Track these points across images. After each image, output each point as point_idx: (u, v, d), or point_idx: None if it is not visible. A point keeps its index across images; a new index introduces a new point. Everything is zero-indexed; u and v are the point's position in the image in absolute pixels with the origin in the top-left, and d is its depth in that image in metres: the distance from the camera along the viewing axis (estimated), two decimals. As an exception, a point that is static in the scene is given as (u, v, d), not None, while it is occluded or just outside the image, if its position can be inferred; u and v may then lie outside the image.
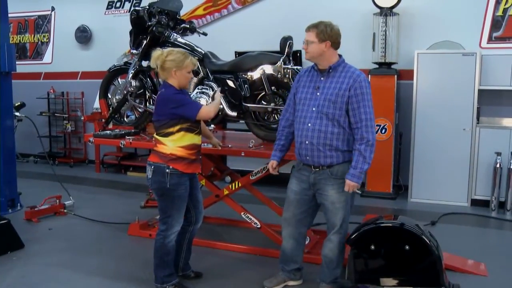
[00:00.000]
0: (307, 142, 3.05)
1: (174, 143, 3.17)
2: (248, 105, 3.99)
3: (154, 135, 3.29)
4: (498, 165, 5.45)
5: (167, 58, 3.15)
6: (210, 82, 4.16)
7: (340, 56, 3.11)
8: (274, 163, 3.33)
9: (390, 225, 3.32)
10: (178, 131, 3.16)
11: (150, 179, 3.26)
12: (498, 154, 5.45)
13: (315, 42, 2.99)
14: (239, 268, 3.84)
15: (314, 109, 3.03)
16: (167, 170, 3.15)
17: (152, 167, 3.23)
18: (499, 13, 5.87)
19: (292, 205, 3.25)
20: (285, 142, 3.32)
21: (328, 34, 2.98)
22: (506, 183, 5.44)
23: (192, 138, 3.22)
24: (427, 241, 3.12)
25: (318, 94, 3.05)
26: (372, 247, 3.18)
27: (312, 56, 3.05)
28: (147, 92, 4.47)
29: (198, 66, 4.16)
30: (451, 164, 5.76)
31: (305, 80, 3.16)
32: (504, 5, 5.83)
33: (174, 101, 3.14)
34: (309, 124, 3.04)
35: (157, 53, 3.21)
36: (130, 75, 4.42)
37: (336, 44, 3.04)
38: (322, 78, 3.07)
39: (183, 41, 4.33)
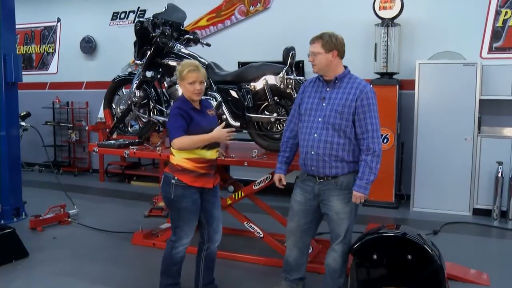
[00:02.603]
0: (312, 152, 3.05)
1: (180, 154, 3.14)
2: (251, 115, 4.03)
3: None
4: (499, 175, 5.46)
5: (177, 69, 3.20)
6: (214, 93, 4.21)
7: (345, 67, 3.12)
8: (282, 177, 3.30)
9: (392, 234, 3.32)
10: None
11: (161, 188, 3.27)
12: (500, 163, 5.46)
13: (321, 53, 3.00)
14: (241, 277, 3.86)
15: (320, 119, 3.03)
16: (173, 181, 3.13)
17: (163, 176, 3.24)
18: (499, 24, 5.92)
19: (296, 215, 3.25)
20: (290, 154, 3.31)
21: (334, 43, 3.00)
22: (507, 192, 5.45)
23: (201, 153, 3.16)
24: (429, 250, 3.13)
25: (324, 104, 3.04)
26: (375, 256, 3.18)
27: (320, 68, 3.05)
28: (151, 102, 4.51)
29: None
30: (453, 173, 5.77)
31: (310, 90, 3.16)
32: (504, 16, 5.89)
33: (168, 118, 3.18)
34: (315, 135, 3.03)
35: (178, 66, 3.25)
36: (134, 86, 4.47)
37: (341, 53, 3.05)
38: (328, 89, 3.07)
39: (186, 51, 4.38)
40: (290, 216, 3.30)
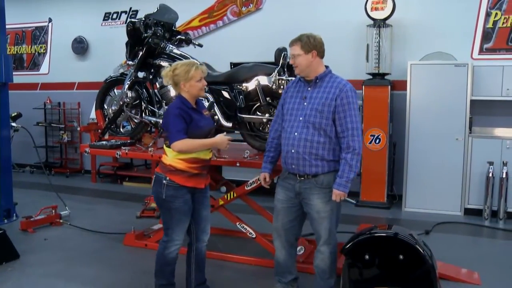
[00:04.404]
0: (293, 150, 3.07)
1: (174, 154, 3.13)
2: (243, 116, 4.02)
3: (164, 144, 3.28)
4: (490, 175, 5.50)
5: (174, 73, 3.14)
6: (206, 93, 4.20)
7: (327, 67, 3.15)
8: (267, 176, 3.35)
9: (384, 234, 3.32)
10: None
11: (152, 188, 3.26)
12: (490, 163, 5.51)
13: (301, 55, 3.04)
14: (233, 278, 3.86)
15: (301, 118, 3.07)
16: (164, 181, 3.12)
17: (154, 176, 3.23)
18: (489, 25, 5.98)
19: (280, 214, 3.27)
20: (275, 154, 3.35)
21: (312, 44, 3.04)
22: (498, 192, 5.49)
23: (196, 153, 3.17)
24: (421, 250, 3.14)
25: (305, 104, 3.09)
26: (367, 256, 3.19)
27: (301, 69, 3.09)
28: (143, 103, 4.49)
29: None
30: (444, 174, 5.81)
31: (293, 90, 3.21)
32: (494, 18, 5.95)
33: (166, 119, 3.16)
34: (296, 133, 3.07)
35: (165, 71, 3.21)
36: (126, 86, 4.45)
37: (321, 53, 3.09)
38: (309, 89, 3.12)
39: (178, 52, 4.37)
40: (275, 215, 3.33)
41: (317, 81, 3.10)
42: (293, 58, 3.08)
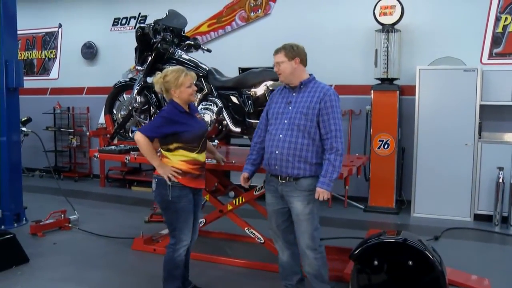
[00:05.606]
0: (277, 152, 3.13)
1: (176, 157, 3.24)
2: (252, 121, 4.04)
3: (160, 149, 3.34)
4: (500, 180, 5.45)
5: (164, 80, 3.23)
6: (214, 98, 4.22)
7: (310, 74, 3.26)
8: (246, 175, 3.42)
9: (393, 240, 3.32)
10: (176, 149, 3.23)
11: (154, 192, 3.31)
12: (500, 169, 5.46)
13: (285, 61, 3.15)
14: (241, 283, 3.85)
15: (286, 121, 3.15)
16: (169, 183, 3.20)
17: (156, 180, 3.28)
18: (499, 29, 5.95)
19: (273, 217, 3.34)
20: (257, 157, 3.42)
21: (295, 51, 3.16)
22: (508, 197, 5.45)
23: (194, 156, 3.28)
24: (430, 256, 3.12)
25: (290, 108, 3.18)
26: (376, 262, 3.18)
27: (285, 75, 3.18)
28: (152, 108, 4.52)
29: (202, 82, 4.25)
30: (453, 179, 5.77)
31: (278, 96, 3.31)
32: (504, 22, 5.91)
33: (155, 116, 3.26)
34: (280, 135, 3.14)
35: (155, 78, 3.30)
36: (135, 91, 4.48)
37: (304, 61, 3.21)
38: (293, 94, 3.21)
39: (187, 57, 4.40)
40: (268, 218, 3.39)
41: (302, 86, 3.20)
42: (277, 65, 3.19)
